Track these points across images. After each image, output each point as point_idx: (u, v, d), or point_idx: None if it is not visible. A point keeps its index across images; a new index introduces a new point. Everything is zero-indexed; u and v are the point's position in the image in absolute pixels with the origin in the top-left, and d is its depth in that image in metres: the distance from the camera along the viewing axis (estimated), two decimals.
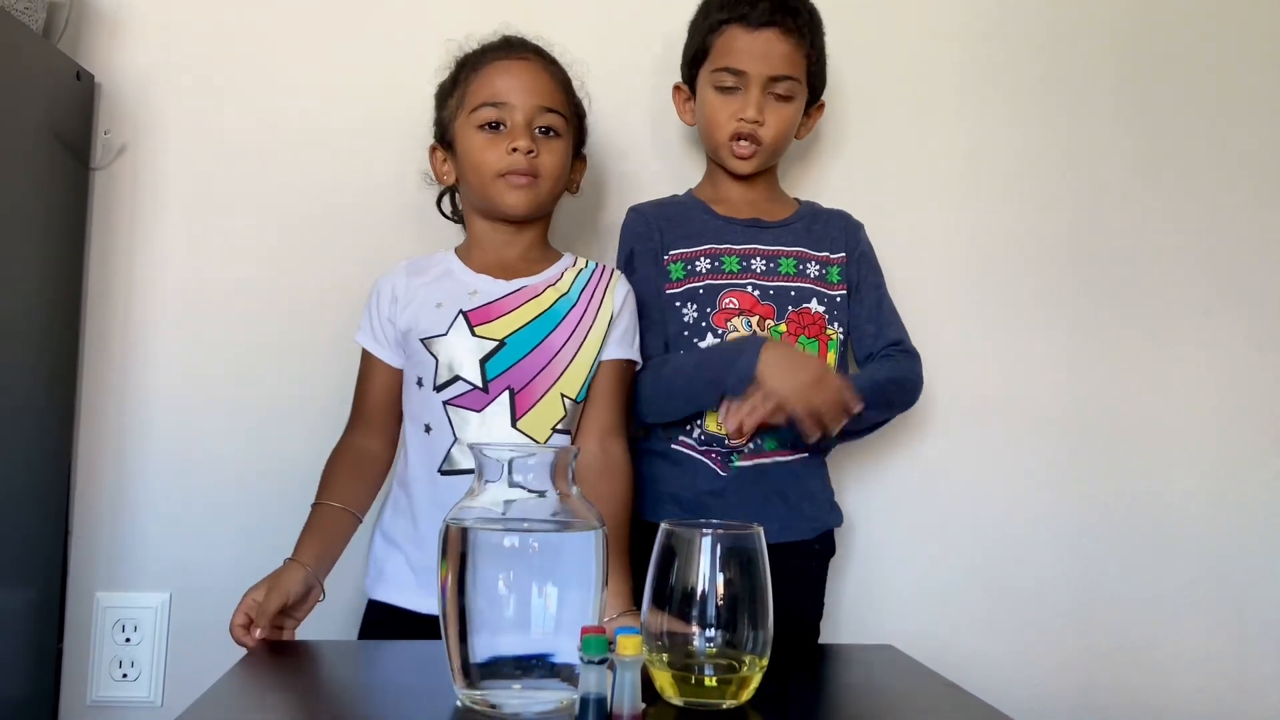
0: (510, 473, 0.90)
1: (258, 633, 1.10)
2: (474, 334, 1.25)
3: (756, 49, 1.36)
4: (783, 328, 1.38)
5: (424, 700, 0.91)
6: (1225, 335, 1.65)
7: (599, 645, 0.79)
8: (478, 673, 0.86)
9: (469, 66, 1.32)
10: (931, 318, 1.58)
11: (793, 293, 1.39)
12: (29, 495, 1.38)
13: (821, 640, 1.46)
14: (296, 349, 1.51)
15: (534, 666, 0.86)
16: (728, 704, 0.89)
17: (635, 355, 1.33)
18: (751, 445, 1.35)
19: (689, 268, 1.39)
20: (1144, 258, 1.64)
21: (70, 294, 1.48)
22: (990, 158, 1.63)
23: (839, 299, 1.42)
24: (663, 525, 0.92)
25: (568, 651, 0.84)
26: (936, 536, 1.57)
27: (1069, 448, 1.61)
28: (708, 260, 1.39)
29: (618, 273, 1.36)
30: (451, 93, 1.33)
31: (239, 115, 1.54)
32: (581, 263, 1.35)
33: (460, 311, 1.26)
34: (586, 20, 1.55)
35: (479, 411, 1.24)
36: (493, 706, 0.86)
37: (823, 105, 1.48)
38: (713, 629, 0.89)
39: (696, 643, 0.89)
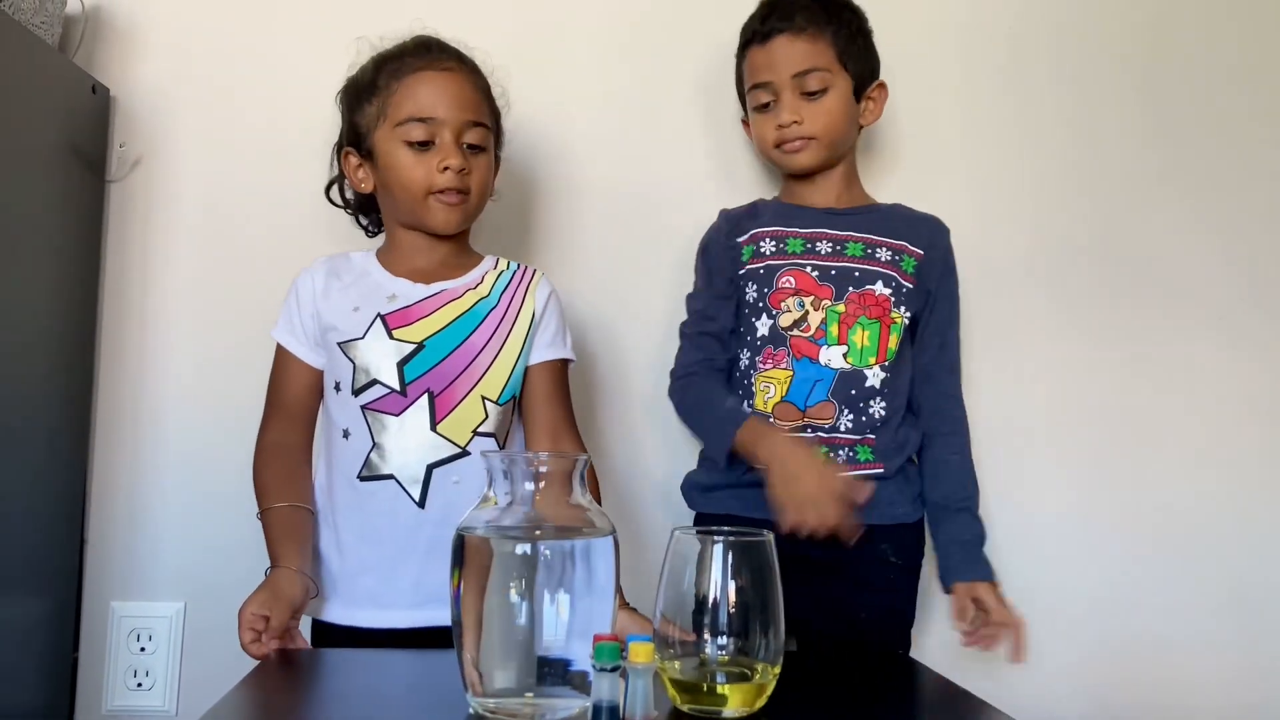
0: (519, 480, 0.91)
1: (272, 644, 1.09)
2: (392, 337, 1.24)
3: (770, 59, 1.40)
4: (841, 308, 1.37)
5: (437, 708, 0.92)
6: (1246, 339, 1.64)
7: (611, 653, 0.79)
8: (490, 681, 0.86)
9: (388, 73, 1.27)
10: None
11: (856, 274, 1.38)
12: (45, 505, 1.39)
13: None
14: None
15: (546, 674, 0.86)
16: (740, 712, 0.89)
17: (568, 354, 1.33)
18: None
19: (756, 249, 1.41)
20: (1164, 262, 1.64)
21: (86, 305, 1.49)
22: (1008, 163, 1.63)
23: (908, 290, 1.39)
24: (674, 532, 0.92)
25: (580, 659, 0.84)
26: None
27: (1085, 451, 1.60)
28: (772, 242, 1.41)
29: (539, 273, 1.34)
30: (369, 99, 1.28)
31: (252, 127, 1.55)
32: (503, 264, 1.33)
33: (378, 315, 1.25)
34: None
35: (397, 415, 1.23)
36: (506, 715, 0.86)
37: (883, 85, 1.46)
38: (725, 636, 0.89)
39: (709, 650, 0.89)
